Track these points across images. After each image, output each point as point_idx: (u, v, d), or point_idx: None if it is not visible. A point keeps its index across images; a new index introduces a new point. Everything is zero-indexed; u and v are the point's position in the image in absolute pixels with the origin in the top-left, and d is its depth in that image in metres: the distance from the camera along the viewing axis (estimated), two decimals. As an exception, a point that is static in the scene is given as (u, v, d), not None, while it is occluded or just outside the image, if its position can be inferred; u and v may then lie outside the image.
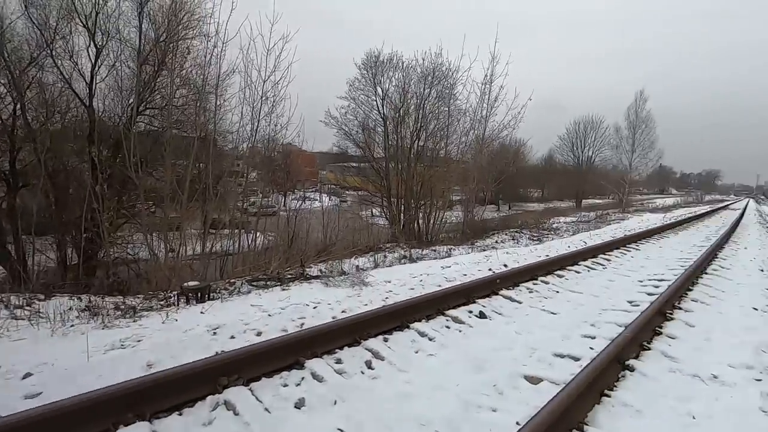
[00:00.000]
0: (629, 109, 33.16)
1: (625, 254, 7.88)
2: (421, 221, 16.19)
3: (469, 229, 15.57)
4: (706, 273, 6.31)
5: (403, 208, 17.39)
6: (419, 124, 17.84)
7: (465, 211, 17.16)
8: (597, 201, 45.51)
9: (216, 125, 10.39)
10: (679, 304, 4.56)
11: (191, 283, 5.49)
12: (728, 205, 42.82)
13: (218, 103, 9.44)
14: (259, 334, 3.14)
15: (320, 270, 8.18)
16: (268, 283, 6.78)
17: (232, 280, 7.59)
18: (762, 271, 6.96)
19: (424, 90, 17.93)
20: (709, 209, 29.00)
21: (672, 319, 4.07)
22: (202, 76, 9.27)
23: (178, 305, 5.36)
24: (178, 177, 10.16)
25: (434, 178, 16.22)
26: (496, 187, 21.24)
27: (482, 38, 15.49)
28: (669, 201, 52.11)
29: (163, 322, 4.13)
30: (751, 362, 3.22)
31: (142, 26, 9.19)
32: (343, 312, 3.70)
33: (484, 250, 9.90)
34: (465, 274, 5.47)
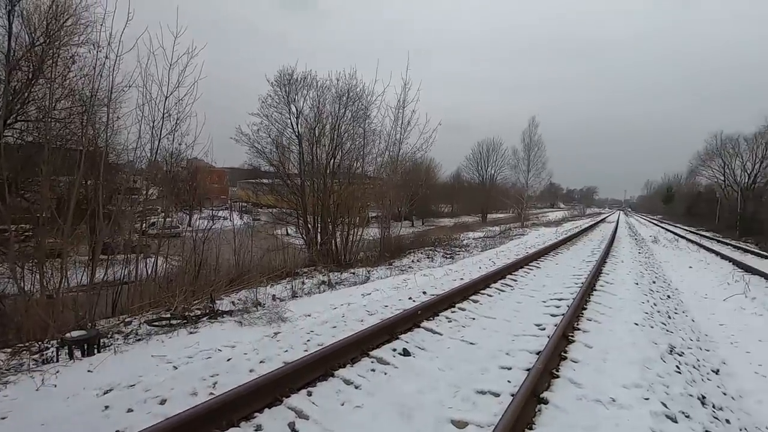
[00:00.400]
0: (524, 133, 36.81)
1: (528, 273, 8.56)
2: (338, 240, 16.04)
3: (387, 248, 15.79)
4: (595, 290, 7.09)
5: (320, 227, 17.11)
6: (335, 143, 17.83)
7: (382, 229, 17.42)
8: (500, 215, 49.38)
9: (108, 138, 9.27)
10: (577, 324, 5.03)
11: (75, 333, 4.71)
12: (605, 218, 49.32)
13: (112, 118, 8.45)
14: (163, 402, 2.75)
15: (233, 302, 7.62)
16: (173, 322, 6.10)
17: (128, 319, 6.72)
18: (637, 284, 8.03)
19: (339, 110, 18.00)
20: (590, 222, 33.05)
21: (573, 341, 4.46)
22: (90, 88, 8.23)
23: (57, 360, 4.56)
24: (60, 197, 8.82)
25: (351, 195, 16.24)
26: (412, 206, 21.95)
27: (395, 63, 16.08)
28: (559, 214, 58.53)
29: (37, 389, 3.46)
30: (639, 380, 3.62)
31: (12, 27, 7.91)
32: (261, 362, 3.43)
33: (403, 272, 10.08)
34: (386, 305, 5.46)
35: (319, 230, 17.02)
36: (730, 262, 13.49)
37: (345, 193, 16.30)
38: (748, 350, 5.69)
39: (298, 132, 19.15)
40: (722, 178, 41.00)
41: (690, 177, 56.35)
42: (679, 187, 67.89)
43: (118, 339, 5.50)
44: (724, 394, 4.21)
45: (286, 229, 20.26)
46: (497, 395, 3.17)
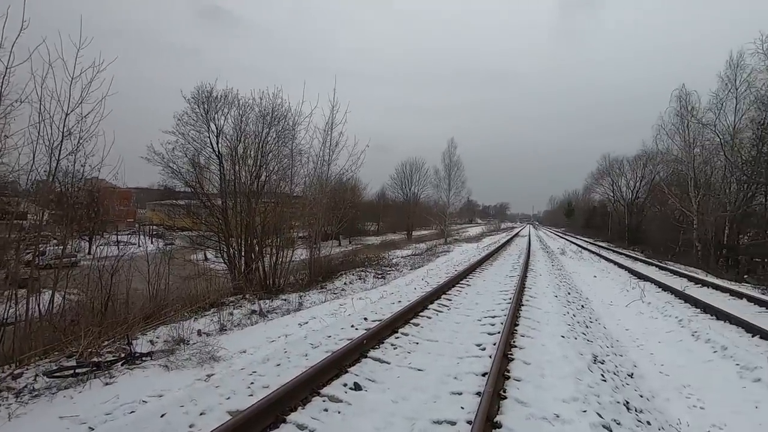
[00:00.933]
0: (444, 154, 38.87)
1: (461, 291, 8.90)
2: (266, 264, 15.35)
3: (317, 270, 15.44)
4: (522, 305, 7.56)
5: (244, 251, 16.27)
6: (259, 163, 17.24)
7: (311, 250, 17.04)
8: (424, 232, 51.05)
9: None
10: (513, 341, 5.30)
11: (-48, 398, 3.88)
12: (518, 232, 53.32)
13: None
14: (86, 478, 2.34)
15: (151, 341, 6.87)
16: (79, 371, 5.30)
17: (18, 371, 5.72)
18: (556, 296, 8.73)
19: (263, 129, 17.48)
20: (507, 237, 35.51)
21: (513, 359, 4.68)
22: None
23: (-74, 435, 3.71)
24: None
25: (278, 216, 15.70)
26: (340, 226, 21.84)
27: (322, 85, 16.08)
28: (477, 230, 62.12)
29: None
30: (575, 393, 3.89)
31: None
32: (202, 414, 3.09)
33: (337, 296, 9.90)
34: (329, 335, 5.29)
35: (243, 253, 16.18)
36: (626, 270, 15.28)
37: (272, 214, 15.73)
38: (652, 352, 6.42)
39: (219, 151, 18.21)
40: (612, 194, 46.68)
41: (586, 193, 63.41)
42: (577, 202, 75.89)
43: (8, 398, 4.65)
44: (641, 396, 4.68)
45: (204, 254, 18.96)
46: (453, 424, 3.19)
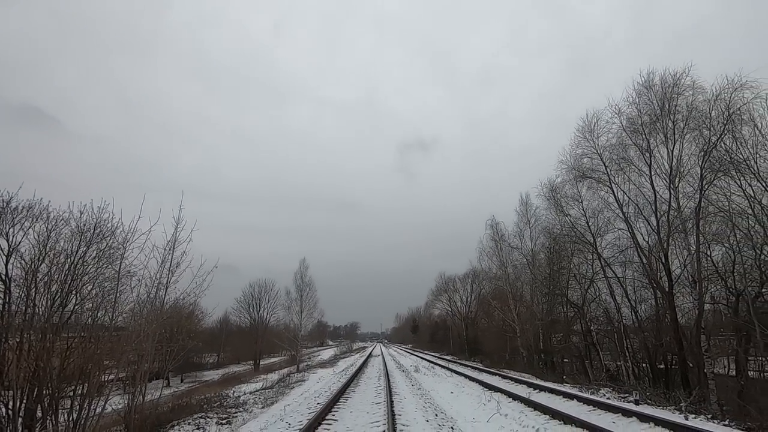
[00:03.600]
0: (296, 274, 38.05)
1: (328, 430, 7.83)
2: (63, 424, 11.32)
3: (138, 424, 12.04)
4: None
5: (24, 409, 11.87)
6: (68, 288, 13.87)
7: (130, 397, 13.44)
8: (273, 360, 46.58)
9: None
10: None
11: None
12: (371, 352, 53.00)
13: None
14: None
15: None
16: None
17: None
18: (427, 421, 8.42)
19: (80, 247, 14.52)
20: (361, 358, 34.77)
21: None
22: None
23: None
24: None
25: (89, 356, 12.25)
26: (175, 362, 18.28)
27: (166, 202, 14.65)
28: (330, 352, 59.76)
29: None
30: None
31: None
32: None
33: (170, 459, 7.62)
34: None
35: (22, 413, 11.76)
36: (476, 382, 16.07)
37: (78, 352, 12.23)
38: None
39: (7, 274, 14.20)
40: (450, 308, 51.44)
41: (427, 309, 68.60)
42: (420, 318, 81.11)
43: None
44: None
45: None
46: None
